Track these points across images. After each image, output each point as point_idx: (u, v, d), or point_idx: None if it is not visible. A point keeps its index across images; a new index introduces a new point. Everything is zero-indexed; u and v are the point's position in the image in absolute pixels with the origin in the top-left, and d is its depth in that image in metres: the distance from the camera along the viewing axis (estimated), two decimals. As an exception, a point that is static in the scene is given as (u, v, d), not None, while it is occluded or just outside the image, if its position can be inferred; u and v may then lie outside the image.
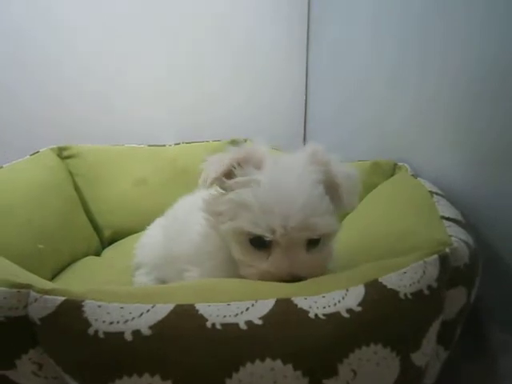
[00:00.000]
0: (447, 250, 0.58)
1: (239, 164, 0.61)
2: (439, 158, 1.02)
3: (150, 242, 0.98)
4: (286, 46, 1.71)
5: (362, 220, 0.95)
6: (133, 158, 1.38)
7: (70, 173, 1.29)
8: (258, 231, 0.57)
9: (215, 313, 0.46)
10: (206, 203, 0.67)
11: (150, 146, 1.45)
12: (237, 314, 0.46)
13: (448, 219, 0.74)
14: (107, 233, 1.29)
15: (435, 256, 0.56)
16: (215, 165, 0.62)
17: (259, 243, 0.59)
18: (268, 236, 0.57)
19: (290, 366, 0.44)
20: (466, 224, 0.76)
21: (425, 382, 0.62)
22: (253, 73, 1.69)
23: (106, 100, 1.49)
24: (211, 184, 0.62)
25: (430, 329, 0.53)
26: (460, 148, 0.95)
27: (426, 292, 0.53)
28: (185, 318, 0.45)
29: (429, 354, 0.55)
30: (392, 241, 0.73)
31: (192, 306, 0.46)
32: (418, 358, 0.52)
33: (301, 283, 0.55)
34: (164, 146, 1.46)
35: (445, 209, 0.79)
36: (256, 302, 0.48)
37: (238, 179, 0.60)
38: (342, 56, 1.50)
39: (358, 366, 0.46)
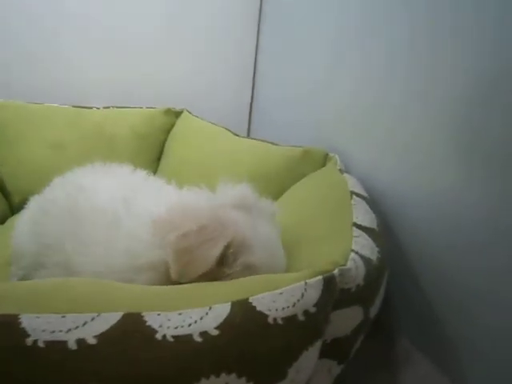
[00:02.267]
0: (336, 271, 0.54)
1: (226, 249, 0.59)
2: (374, 154, 1.01)
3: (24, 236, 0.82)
4: (238, 23, 1.66)
5: (281, 214, 0.91)
6: (52, 118, 1.28)
7: (-22, 129, 1.19)
8: None
9: (41, 327, 0.41)
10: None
11: (74, 106, 1.34)
12: (69, 330, 0.41)
13: (359, 227, 0.72)
14: (17, 199, 1.21)
15: (319, 278, 0.53)
16: (198, 259, 0.57)
17: None
18: None
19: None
20: (380, 232, 0.75)
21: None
22: (200, 44, 1.63)
23: (32, 49, 1.39)
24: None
25: (301, 357, 0.50)
26: (395, 147, 0.94)
27: (301, 318, 0.49)
28: None
29: (301, 380, 0.52)
30: (291, 247, 0.70)
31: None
32: (283, 387, 0.49)
33: (162, 293, 0.51)
34: (91, 108, 1.36)
35: (360, 214, 0.77)
36: (98, 315, 0.43)
37: (235, 271, 0.59)
38: (291, 39, 1.47)
39: (203, 398, 0.43)
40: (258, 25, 1.66)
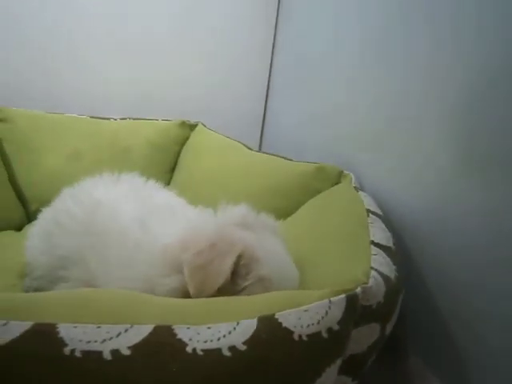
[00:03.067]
0: (358, 289, 0.56)
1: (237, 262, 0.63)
2: (386, 170, 1.03)
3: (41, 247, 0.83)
4: (253, 38, 1.70)
5: (296, 229, 0.93)
6: (70, 128, 1.31)
7: (-1, 138, 1.21)
8: None
9: (78, 337, 0.42)
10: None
11: (91, 117, 1.37)
12: (104, 340, 0.43)
13: (377, 245, 0.74)
14: (34, 207, 1.23)
15: (342, 296, 0.54)
16: (214, 273, 0.61)
17: None
18: None
19: (152, 404, 0.41)
20: (396, 250, 0.76)
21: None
22: (215, 56, 1.66)
23: (50, 61, 1.42)
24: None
25: (324, 374, 0.51)
26: (407, 167, 0.96)
27: (325, 335, 0.51)
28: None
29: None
30: (312, 264, 0.71)
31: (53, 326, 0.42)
32: (305, 401, 0.50)
33: (190, 306, 0.52)
34: (108, 119, 1.39)
35: (377, 232, 0.78)
36: (131, 326, 0.45)
37: (250, 284, 0.63)
38: (305, 51, 1.50)
39: (230, 410, 0.44)
40: (274, 40, 1.68)
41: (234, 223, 0.69)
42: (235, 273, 0.62)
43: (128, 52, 1.53)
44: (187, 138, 1.47)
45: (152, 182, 0.96)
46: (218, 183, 1.22)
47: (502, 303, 0.72)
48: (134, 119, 1.43)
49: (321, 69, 1.38)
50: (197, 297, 0.59)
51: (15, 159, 1.23)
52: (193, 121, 1.49)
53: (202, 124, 1.49)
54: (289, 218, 1.04)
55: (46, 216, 0.88)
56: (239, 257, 0.63)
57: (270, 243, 0.70)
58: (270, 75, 1.74)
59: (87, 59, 1.49)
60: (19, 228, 1.20)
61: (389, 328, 0.69)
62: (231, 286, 0.62)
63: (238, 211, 0.73)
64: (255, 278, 0.62)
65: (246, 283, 0.62)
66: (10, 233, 1.13)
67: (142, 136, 1.36)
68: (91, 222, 0.76)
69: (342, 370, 0.60)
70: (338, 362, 0.54)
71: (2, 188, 1.16)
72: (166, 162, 1.41)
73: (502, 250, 0.72)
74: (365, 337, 0.63)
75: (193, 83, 1.65)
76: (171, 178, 1.41)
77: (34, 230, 0.88)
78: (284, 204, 1.09)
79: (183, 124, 1.46)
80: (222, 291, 0.60)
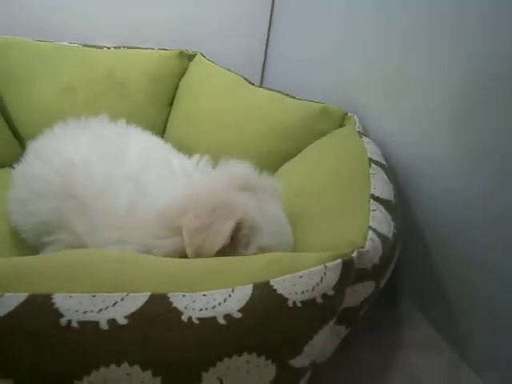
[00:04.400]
0: (354, 254, 0.56)
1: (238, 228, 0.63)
2: (394, 117, 1.00)
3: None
4: None
5: (296, 178, 0.93)
6: (62, 59, 1.25)
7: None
8: None
9: (74, 307, 0.43)
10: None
11: (84, 45, 1.30)
12: (100, 310, 0.44)
13: (377, 199, 0.74)
14: (28, 142, 1.20)
15: (338, 261, 0.54)
16: (213, 235, 0.61)
17: None
18: None
19: (149, 373, 0.43)
20: (396, 204, 0.76)
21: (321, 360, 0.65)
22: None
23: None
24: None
25: (316, 335, 0.53)
26: (416, 113, 0.93)
27: (319, 300, 0.52)
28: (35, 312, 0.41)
29: (315, 353, 0.56)
30: (309, 221, 0.72)
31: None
32: (298, 362, 0.53)
33: (186, 270, 0.53)
34: (101, 48, 1.32)
35: (378, 184, 0.78)
36: (127, 295, 0.46)
37: (251, 253, 0.64)
38: None
39: (224, 375, 0.46)
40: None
41: (235, 185, 0.69)
42: (236, 241, 0.63)
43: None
44: (186, 69, 1.41)
45: (123, 126, 0.93)
46: (218, 120, 1.19)
47: (493, 255, 0.74)
48: (128, 47, 1.36)
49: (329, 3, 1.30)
50: (194, 256, 0.60)
51: (6, 93, 1.19)
52: (191, 50, 1.42)
53: (201, 54, 1.42)
54: (290, 161, 1.03)
55: (16, 181, 0.85)
56: (239, 223, 0.63)
57: (271, 210, 0.70)
58: (272, 7, 1.63)
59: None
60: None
61: (383, 282, 0.71)
62: (231, 253, 0.62)
63: (240, 172, 0.72)
64: (256, 248, 0.63)
65: (248, 252, 0.63)
66: (8, 170, 1.12)
67: (139, 68, 1.31)
68: (68, 186, 0.73)
69: (336, 320, 0.62)
70: (331, 322, 0.56)
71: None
72: (164, 96, 1.36)
73: (497, 205, 0.72)
74: (359, 293, 0.64)
75: (191, 9, 1.56)
76: (169, 112, 1.37)
77: (9, 194, 0.85)
78: (286, 145, 1.07)
79: (181, 54, 1.39)
80: (221, 256, 0.60)
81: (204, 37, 1.56)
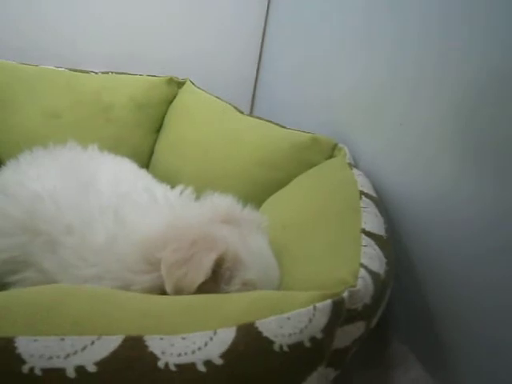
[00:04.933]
0: (345, 294, 0.53)
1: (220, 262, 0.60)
2: (382, 145, 0.99)
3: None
4: None
5: (284, 211, 0.90)
6: (47, 82, 1.22)
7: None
8: None
9: (39, 352, 0.39)
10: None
11: (71, 70, 1.28)
12: (68, 355, 0.40)
13: (368, 234, 0.71)
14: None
15: (328, 302, 0.51)
16: (193, 269, 0.58)
17: None
18: None
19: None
20: (388, 239, 0.74)
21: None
22: (206, 10, 1.56)
23: (26, 5, 1.31)
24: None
25: (304, 382, 0.49)
26: (405, 139, 0.91)
27: (308, 344, 0.48)
28: None
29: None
30: (297, 256, 0.69)
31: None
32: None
33: (165, 308, 0.50)
34: (88, 72, 1.30)
35: (369, 219, 0.75)
36: (99, 338, 0.42)
37: (235, 289, 0.61)
38: (303, 18, 1.41)
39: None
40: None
41: (217, 218, 0.66)
42: (218, 276, 0.60)
43: (120, 4, 1.44)
44: (175, 96, 1.39)
45: (95, 153, 0.89)
46: (205, 149, 1.17)
47: (487, 294, 0.72)
48: (116, 73, 1.35)
49: (318, 28, 1.30)
50: (175, 295, 0.56)
51: (-13, 115, 1.16)
52: (180, 78, 1.41)
53: (191, 81, 1.41)
54: (278, 192, 1.01)
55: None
56: (221, 257, 0.60)
57: (256, 244, 0.68)
58: (263, 35, 1.64)
59: (68, 3, 1.38)
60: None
61: (374, 322, 0.67)
62: (214, 288, 0.59)
63: (223, 204, 0.70)
64: (239, 283, 0.60)
65: (231, 288, 0.60)
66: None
67: (126, 93, 1.29)
68: (34, 221, 0.68)
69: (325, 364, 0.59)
70: (320, 368, 0.52)
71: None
72: (152, 122, 1.34)
73: (497, 243, 0.70)
74: (349, 334, 0.61)
75: (180, 38, 1.55)
76: (156, 139, 1.35)
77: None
78: (274, 175, 1.05)
79: (170, 80, 1.37)
80: (203, 292, 0.57)
81: (194, 65, 1.55)
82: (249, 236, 0.67)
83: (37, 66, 1.24)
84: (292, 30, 1.48)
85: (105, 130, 1.22)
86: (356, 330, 0.62)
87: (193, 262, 0.58)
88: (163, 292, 0.57)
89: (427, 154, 0.84)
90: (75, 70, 1.29)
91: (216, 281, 0.60)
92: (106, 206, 0.68)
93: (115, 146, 1.10)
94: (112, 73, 1.34)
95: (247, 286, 0.60)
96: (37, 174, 0.77)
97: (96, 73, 1.31)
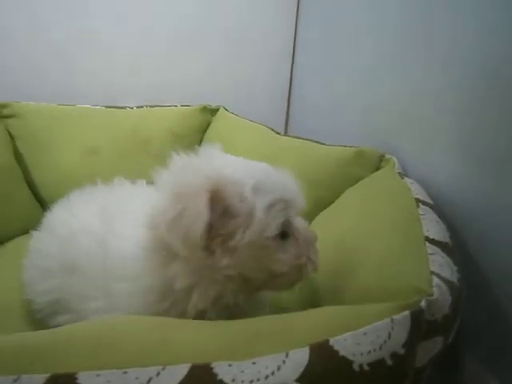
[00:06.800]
0: (423, 303, 0.48)
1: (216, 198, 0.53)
2: (431, 153, 0.94)
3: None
4: (275, 16, 1.60)
5: (337, 226, 0.85)
6: (85, 121, 1.25)
7: (10, 136, 1.17)
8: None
9: (102, 387, 0.36)
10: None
11: (107, 107, 1.31)
12: (132, 389, 0.37)
13: (433, 242, 0.66)
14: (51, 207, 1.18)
15: (406, 313, 0.46)
16: (191, 220, 0.51)
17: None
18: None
19: None
20: (453, 245, 0.68)
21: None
22: (236, 37, 1.57)
23: (60, 50, 1.35)
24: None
25: (388, 405, 0.44)
26: (456, 145, 0.86)
27: (389, 362, 0.44)
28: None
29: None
30: (360, 267, 0.64)
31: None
32: None
33: (229, 333, 0.46)
34: (124, 108, 1.33)
35: (430, 226, 0.70)
36: (163, 368, 0.39)
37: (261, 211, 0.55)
38: (334, 34, 1.39)
39: None
40: (297, 14, 1.58)
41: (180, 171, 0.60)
42: (231, 208, 0.54)
43: (145, 36, 1.46)
44: (209, 124, 1.39)
45: (138, 186, 0.86)
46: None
47: None
48: (151, 107, 1.37)
49: (351, 43, 1.28)
50: (191, 257, 0.53)
51: (29, 157, 1.18)
52: (214, 105, 1.41)
53: (224, 108, 1.41)
54: (327, 209, 0.96)
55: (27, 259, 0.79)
56: (215, 189, 0.53)
57: (231, 158, 0.63)
58: (294, 52, 1.64)
59: (99, 44, 1.42)
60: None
61: (451, 336, 0.62)
62: (239, 224, 0.53)
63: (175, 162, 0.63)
64: (248, 213, 0.54)
65: (259, 214, 0.54)
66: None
67: (162, 125, 1.30)
68: (69, 258, 0.67)
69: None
70: (404, 389, 0.47)
71: (18, 189, 1.12)
72: (189, 152, 1.33)
73: None
74: (427, 351, 0.55)
75: (212, 66, 1.56)
76: (195, 168, 1.34)
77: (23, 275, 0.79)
78: (321, 193, 1.01)
79: (204, 109, 1.38)
80: (221, 242, 0.53)
81: (226, 90, 1.56)
82: (220, 158, 0.63)
83: (74, 105, 1.27)
84: (323, 48, 1.46)
85: (144, 163, 1.22)
86: (434, 345, 0.56)
87: (187, 212, 0.51)
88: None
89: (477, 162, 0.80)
90: (111, 107, 1.32)
91: (233, 215, 0.54)
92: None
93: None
94: (147, 106, 1.36)
95: (275, 208, 0.55)
96: (79, 212, 0.76)
97: (131, 108, 1.34)
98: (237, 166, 0.60)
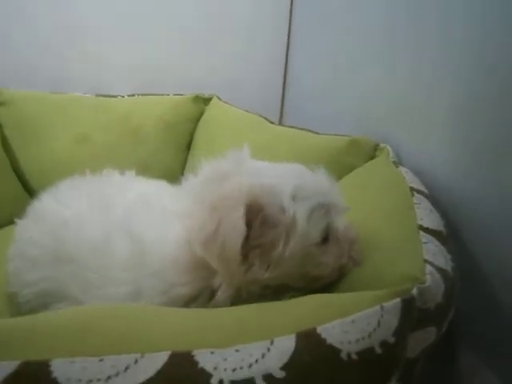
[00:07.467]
0: (414, 290, 0.47)
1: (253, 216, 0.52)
2: (426, 142, 0.92)
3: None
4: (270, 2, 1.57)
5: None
6: (76, 109, 1.23)
7: (-1, 124, 1.15)
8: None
9: (76, 375, 0.34)
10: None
11: (98, 95, 1.29)
12: (109, 378, 0.35)
13: (427, 230, 0.64)
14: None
15: (397, 300, 0.45)
16: (227, 234, 0.50)
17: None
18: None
19: None
20: (448, 235, 0.67)
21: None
22: (228, 24, 1.56)
23: (50, 38, 1.34)
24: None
25: (377, 396, 0.43)
26: (451, 135, 0.84)
27: (379, 350, 0.42)
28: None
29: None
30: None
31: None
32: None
33: (212, 319, 0.44)
34: (115, 97, 1.31)
35: (425, 214, 0.69)
36: (142, 356, 0.37)
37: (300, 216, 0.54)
38: (330, 22, 1.37)
39: None
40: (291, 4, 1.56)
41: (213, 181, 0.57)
42: (267, 218, 0.52)
43: (136, 24, 1.44)
44: (202, 114, 1.38)
45: (128, 177, 0.86)
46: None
47: None
48: (143, 95, 1.35)
49: (346, 29, 1.26)
50: (229, 273, 0.51)
51: (18, 146, 1.16)
52: (206, 94, 1.39)
53: (217, 97, 1.39)
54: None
55: (12, 249, 0.77)
56: (251, 203, 0.51)
57: (263, 166, 0.61)
58: (288, 39, 1.61)
59: (91, 32, 1.41)
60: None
61: (445, 326, 0.60)
62: (277, 233, 0.52)
63: (208, 169, 0.60)
64: (288, 223, 0.52)
65: (300, 218, 0.53)
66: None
67: (153, 113, 1.28)
68: (60, 248, 0.66)
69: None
70: (394, 379, 0.45)
71: (5, 179, 1.09)
72: (181, 141, 1.32)
73: None
74: (419, 342, 0.54)
75: (204, 53, 1.54)
76: (187, 157, 1.33)
77: (6, 266, 0.76)
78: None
79: (197, 98, 1.36)
80: (260, 255, 0.52)
81: (219, 82, 1.54)
82: (252, 164, 0.60)
83: (65, 93, 1.26)
84: (317, 36, 1.45)
85: (135, 151, 1.22)
86: (427, 336, 0.55)
87: (223, 228, 0.50)
88: (211, 294, 0.53)
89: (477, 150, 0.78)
90: (103, 95, 1.30)
91: (272, 225, 0.52)
92: (118, 225, 0.64)
93: (146, 167, 1.08)
94: (138, 95, 1.34)
95: (317, 212, 0.54)
96: (70, 201, 0.75)
97: (122, 96, 1.32)
98: (271, 172, 0.59)
